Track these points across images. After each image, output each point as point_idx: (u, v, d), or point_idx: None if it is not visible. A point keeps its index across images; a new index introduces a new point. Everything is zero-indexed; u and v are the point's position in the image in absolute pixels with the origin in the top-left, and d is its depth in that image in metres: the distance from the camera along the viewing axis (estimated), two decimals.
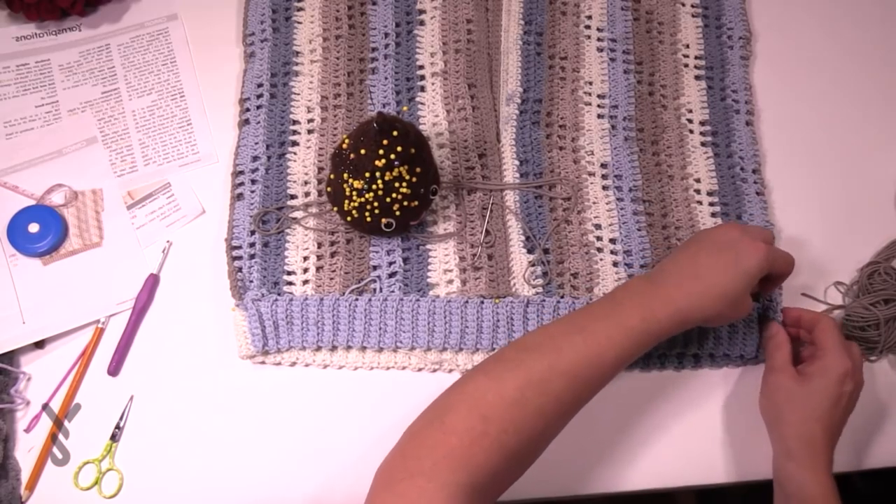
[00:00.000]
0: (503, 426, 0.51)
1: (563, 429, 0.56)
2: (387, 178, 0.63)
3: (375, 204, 0.64)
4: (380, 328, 0.67)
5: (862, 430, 0.68)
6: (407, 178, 0.63)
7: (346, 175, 0.64)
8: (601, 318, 0.57)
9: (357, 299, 0.68)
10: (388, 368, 0.69)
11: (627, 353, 0.56)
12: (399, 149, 0.62)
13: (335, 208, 0.68)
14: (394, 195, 0.64)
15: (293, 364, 0.68)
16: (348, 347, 0.68)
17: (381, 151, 0.61)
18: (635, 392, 0.68)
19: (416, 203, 0.66)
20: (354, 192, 0.64)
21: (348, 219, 0.67)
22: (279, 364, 0.68)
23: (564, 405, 0.54)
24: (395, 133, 0.61)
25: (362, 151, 0.62)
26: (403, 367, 0.69)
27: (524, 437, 0.52)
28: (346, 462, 0.66)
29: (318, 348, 0.68)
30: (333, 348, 0.69)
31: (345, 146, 0.64)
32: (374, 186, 0.63)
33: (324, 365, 0.68)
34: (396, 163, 0.62)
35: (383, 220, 0.66)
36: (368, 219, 0.66)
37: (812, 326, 0.66)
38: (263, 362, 0.68)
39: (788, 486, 0.60)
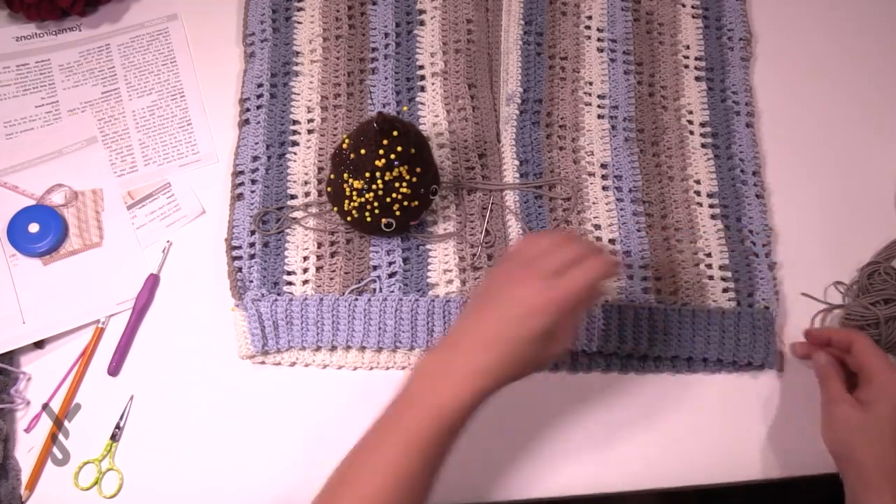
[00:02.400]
0: None
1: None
2: (387, 178, 0.63)
3: (375, 204, 0.64)
4: (379, 328, 0.67)
5: None
6: (407, 178, 0.63)
7: (346, 175, 0.64)
8: (393, 430, 0.52)
9: (357, 299, 0.68)
10: (387, 368, 0.69)
11: (431, 455, 0.51)
12: (399, 149, 0.62)
13: (335, 208, 0.68)
14: (394, 195, 0.64)
15: (293, 364, 0.68)
16: (348, 347, 0.68)
17: (381, 151, 0.61)
18: (635, 392, 0.68)
19: (416, 203, 0.66)
20: (354, 192, 0.64)
21: (348, 219, 0.67)
22: (279, 364, 0.68)
23: None
24: (395, 133, 0.61)
25: (362, 151, 0.62)
26: (403, 367, 0.69)
27: None
28: None
29: (318, 348, 0.68)
30: (333, 348, 0.69)
31: (345, 146, 0.64)
32: (374, 186, 0.63)
33: (323, 365, 0.68)
34: (396, 163, 0.62)
35: (383, 220, 0.66)
36: (368, 219, 0.66)
37: (847, 346, 0.64)
38: (263, 362, 0.68)
39: None
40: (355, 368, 0.69)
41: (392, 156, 0.62)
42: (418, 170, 0.64)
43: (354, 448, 0.53)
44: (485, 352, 0.53)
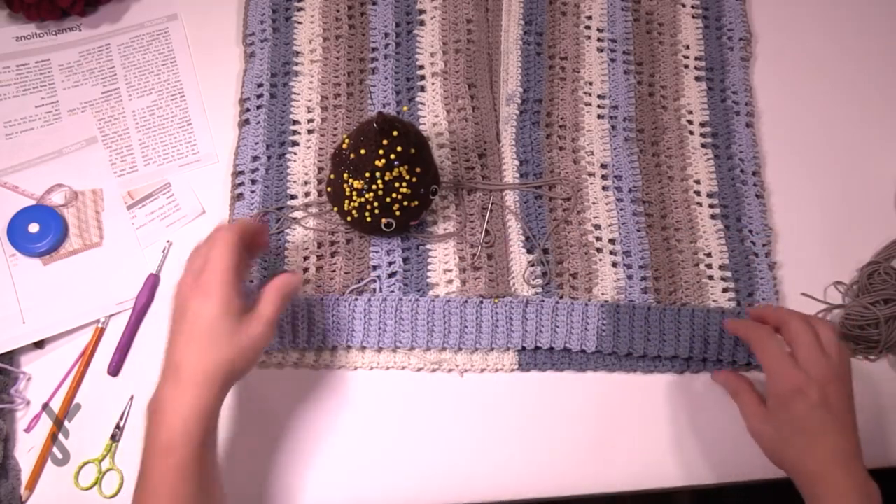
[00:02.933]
0: None
1: None
2: (387, 178, 0.63)
3: (375, 204, 0.64)
4: (379, 328, 0.67)
5: (861, 429, 0.67)
6: (407, 178, 0.63)
7: (346, 175, 0.64)
8: (146, 480, 0.53)
9: (357, 299, 0.68)
10: (387, 368, 0.69)
11: (184, 484, 0.52)
12: (399, 149, 0.62)
13: (335, 208, 0.68)
14: (394, 195, 0.64)
15: (295, 364, 0.68)
16: (348, 347, 0.68)
17: (381, 151, 0.61)
18: (635, 392, 0.68)
19: (416, 203, 0.66)
20: (354, 192, 0.64)
21: (348, 219, 0.67)
22: (280, 365, 0.68)
23: None
24: (395, 133, 0.61)
25: (362, 151, 0.62)
26: (403, 367, 0.69)
27: None
28: (346, 463, 0.66)
29: (319, 349, 0.68)
30: (334, 348, 0.69)
31: (345, 146, 0.64)
32: (374, 186, 0.63)
33: (324, 365, 0.68)
34: (396, 163, 0.62)
35: (383, 220, 0.66)
36: (368, 219, 0.66)
37: (778, 326, 0.61)
38: (265, 362, 0.68)
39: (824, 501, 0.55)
40: (355, 368, 0.69)
41: (392, 156, 0.62)
42: (418, 170, 0.64)
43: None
44: (175, 370, 0.54)
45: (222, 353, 0.55)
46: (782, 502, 0.83)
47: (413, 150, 0.63)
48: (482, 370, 0.69)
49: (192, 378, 0.54)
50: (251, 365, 0.57)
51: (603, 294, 0.69)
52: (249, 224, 0.62)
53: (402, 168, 0.63)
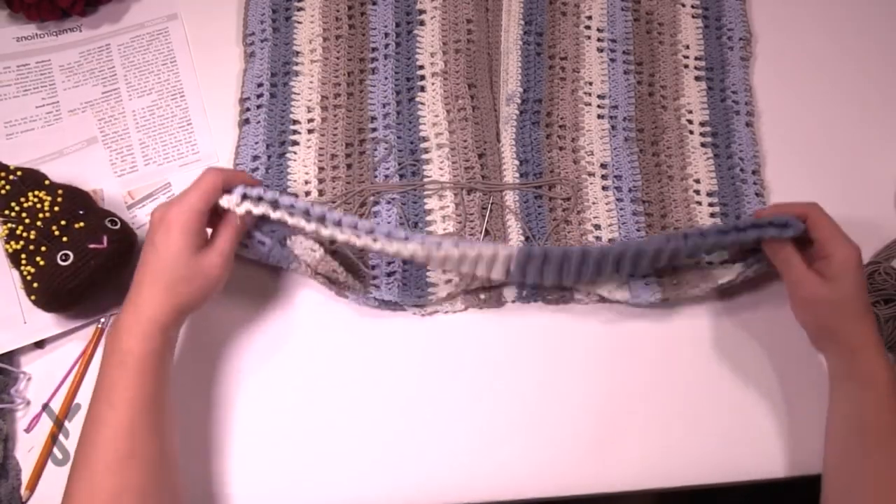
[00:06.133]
0: None
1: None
2: (25, 205, 0.65)
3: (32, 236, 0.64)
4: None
5: None
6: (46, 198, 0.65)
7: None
8: (110, 377, 0.57)
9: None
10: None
11: (149, 381, 0.57)
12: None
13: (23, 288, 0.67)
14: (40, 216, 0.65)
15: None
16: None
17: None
18: (635, 392, 0.68)
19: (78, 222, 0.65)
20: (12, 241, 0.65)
21: (33, 284, 0.64)
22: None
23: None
24: None
25: None
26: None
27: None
28: (346, 463, 0.66)
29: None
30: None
31: None
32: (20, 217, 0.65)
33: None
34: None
35: (58, 255, 0.64)
36: (41, 262, 0.64)
37: (803, 217, 0.64)
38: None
39: (859, 376, 0.60)
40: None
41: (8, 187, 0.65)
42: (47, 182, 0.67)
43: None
44: (137, 288, 0.59)
45: (178, 292, 0.59)
46: (782, 502, 0.83)
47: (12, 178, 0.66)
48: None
49: (148, 315, 0.58)
50: (207, 295, 0.61)
51: (600, 292, 0.69)
52: (241, 176, 0.64)
53: (35, 191, 0.65)
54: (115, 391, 0.56)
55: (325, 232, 0.62)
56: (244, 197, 0.62)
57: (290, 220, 0.62)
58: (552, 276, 0.64)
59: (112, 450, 0.54)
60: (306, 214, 0.62)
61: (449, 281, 0.70)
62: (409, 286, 0.69)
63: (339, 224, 0.62)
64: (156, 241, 0.59)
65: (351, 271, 0.69)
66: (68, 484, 0.55)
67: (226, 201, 0.62)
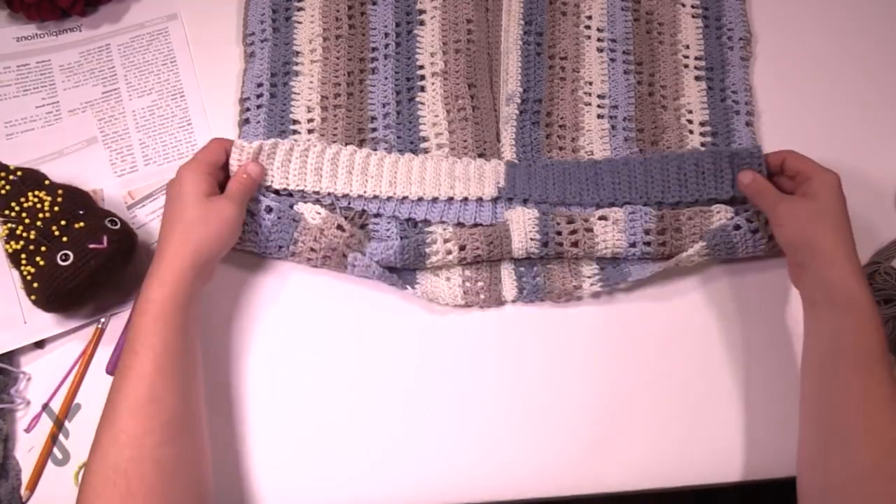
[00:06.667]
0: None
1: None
2: (25, 205, 0.65)
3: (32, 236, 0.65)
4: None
5: None
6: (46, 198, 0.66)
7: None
8: (144, 320, 0.59)
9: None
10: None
11: (169, 327, 0.58)
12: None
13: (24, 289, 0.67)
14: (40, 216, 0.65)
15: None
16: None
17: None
18: (635, 391, 0.68)
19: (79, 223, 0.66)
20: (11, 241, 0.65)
21: (33, 284, 0.64)
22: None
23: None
24: None
25: None
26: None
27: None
28: (346, 463, 0.66)
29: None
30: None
31: None
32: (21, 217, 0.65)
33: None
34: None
35: (58, 255, 0.64)
36: (41, 262, 0.64)
37: (780, 162, 0.68)
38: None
39: (837, 299, 0.59)
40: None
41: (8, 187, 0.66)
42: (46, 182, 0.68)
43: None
44: (164, 243, 0.62)
45: (194, 234, 0.62)
46: (782, 502, 0.83)
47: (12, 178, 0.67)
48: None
49: (168, 261, 0.61)
50: (223, 240, 0.64)
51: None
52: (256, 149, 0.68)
53: (35, 191, 0.66)
54: (138, 339, 0.58)
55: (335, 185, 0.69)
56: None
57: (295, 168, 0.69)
58: (538, 190, 0.71)
59: (133, 396, 0.56)
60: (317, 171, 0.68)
61: (448, 279, 0.70)
62: (408, 250, 0.69)
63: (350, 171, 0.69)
64: (170, 193, 0.64)
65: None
66: (97, 430, 0.56)
67: (238, 147, 0.68)
